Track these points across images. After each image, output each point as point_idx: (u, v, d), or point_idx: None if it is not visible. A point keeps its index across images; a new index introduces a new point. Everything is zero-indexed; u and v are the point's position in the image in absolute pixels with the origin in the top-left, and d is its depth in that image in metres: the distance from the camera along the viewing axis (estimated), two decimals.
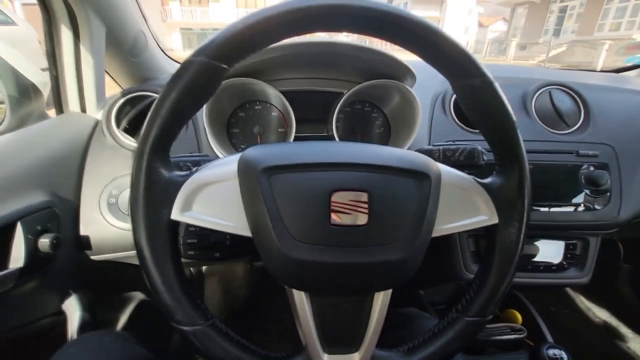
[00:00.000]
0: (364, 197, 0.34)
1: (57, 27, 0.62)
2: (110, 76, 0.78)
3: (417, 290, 0.94)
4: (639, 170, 0.66)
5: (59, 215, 0.53)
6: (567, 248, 0.69)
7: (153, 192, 0.33)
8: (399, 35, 0.32)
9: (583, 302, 1.46)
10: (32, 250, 0.47)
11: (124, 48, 0.71)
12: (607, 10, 14.03)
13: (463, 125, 0.69)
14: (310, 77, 0.67)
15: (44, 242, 0.48)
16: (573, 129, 0.69)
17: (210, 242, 0.55)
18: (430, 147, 0.53)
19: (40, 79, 0.71)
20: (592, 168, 0.64)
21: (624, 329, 1.31)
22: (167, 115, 0.32)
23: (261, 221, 0.34)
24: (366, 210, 0.34)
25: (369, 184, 0.34)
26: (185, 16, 20.00)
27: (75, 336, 0.60)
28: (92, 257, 0.60)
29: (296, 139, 0.69)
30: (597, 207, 0.64)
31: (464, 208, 0.39)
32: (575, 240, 0.70)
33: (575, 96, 0.71)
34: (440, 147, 0.52)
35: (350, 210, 0.34)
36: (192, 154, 0.47)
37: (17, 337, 0.54)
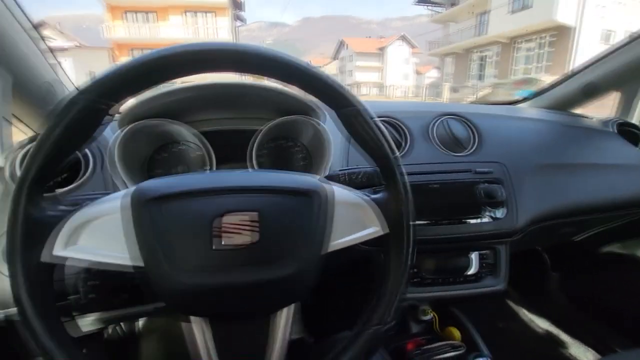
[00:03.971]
0: (255, 216, 0.36)
1: None
2: (27, 125, 0.75)
3: None
4: (527, 183, 0.76)
5: None
6: (481, 258, 0.75)
7: (31, 233, 0.32)
8: (290, 77, 0.37)
9: (526, 314, 1.53)
10: None
11: (35, 97, 0.69)
12: (517, 58, 16.74)
13: None
14: (227, 117, 0.71)
15: None
16: (469, 151, 0.78)
17: (114, 284, 0.52)
18: (337, 172, 0.57)
19: None
20: (486, 184, 0.72)
21: (564, 336, 1.38)
22: (47, 155, 0.32)
23: (152, 250, 0.34)
24: (257, 229, 0.35)
25: (259, 204, 0.36)
26: (132, 32, 18.41)
27: None
28: None
29: None
30: (497, 217, 0.72)
31: (357, 222, 0.42)
32: (486, 250, 0.76)
33: (468, 123, 0.82)
34: (346, 172, 0.56)
35: (241, 230, 0.35)
36: (88, 193, 0.46)
37: None
